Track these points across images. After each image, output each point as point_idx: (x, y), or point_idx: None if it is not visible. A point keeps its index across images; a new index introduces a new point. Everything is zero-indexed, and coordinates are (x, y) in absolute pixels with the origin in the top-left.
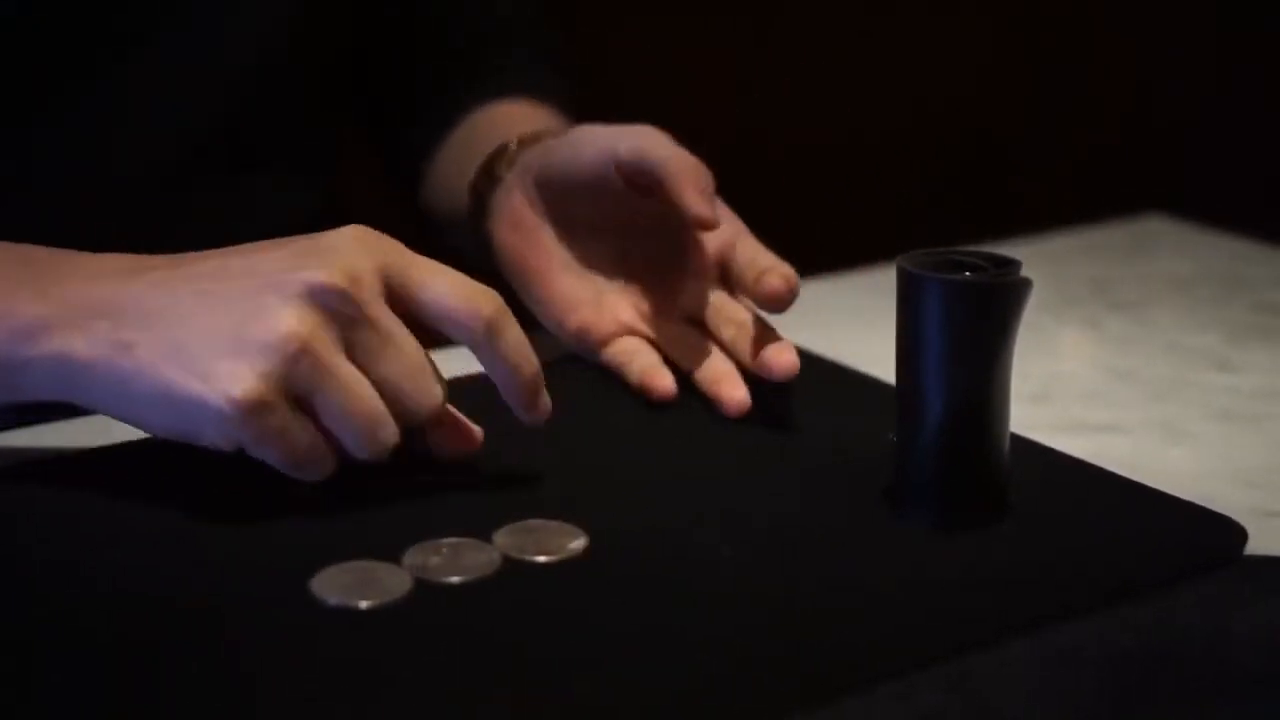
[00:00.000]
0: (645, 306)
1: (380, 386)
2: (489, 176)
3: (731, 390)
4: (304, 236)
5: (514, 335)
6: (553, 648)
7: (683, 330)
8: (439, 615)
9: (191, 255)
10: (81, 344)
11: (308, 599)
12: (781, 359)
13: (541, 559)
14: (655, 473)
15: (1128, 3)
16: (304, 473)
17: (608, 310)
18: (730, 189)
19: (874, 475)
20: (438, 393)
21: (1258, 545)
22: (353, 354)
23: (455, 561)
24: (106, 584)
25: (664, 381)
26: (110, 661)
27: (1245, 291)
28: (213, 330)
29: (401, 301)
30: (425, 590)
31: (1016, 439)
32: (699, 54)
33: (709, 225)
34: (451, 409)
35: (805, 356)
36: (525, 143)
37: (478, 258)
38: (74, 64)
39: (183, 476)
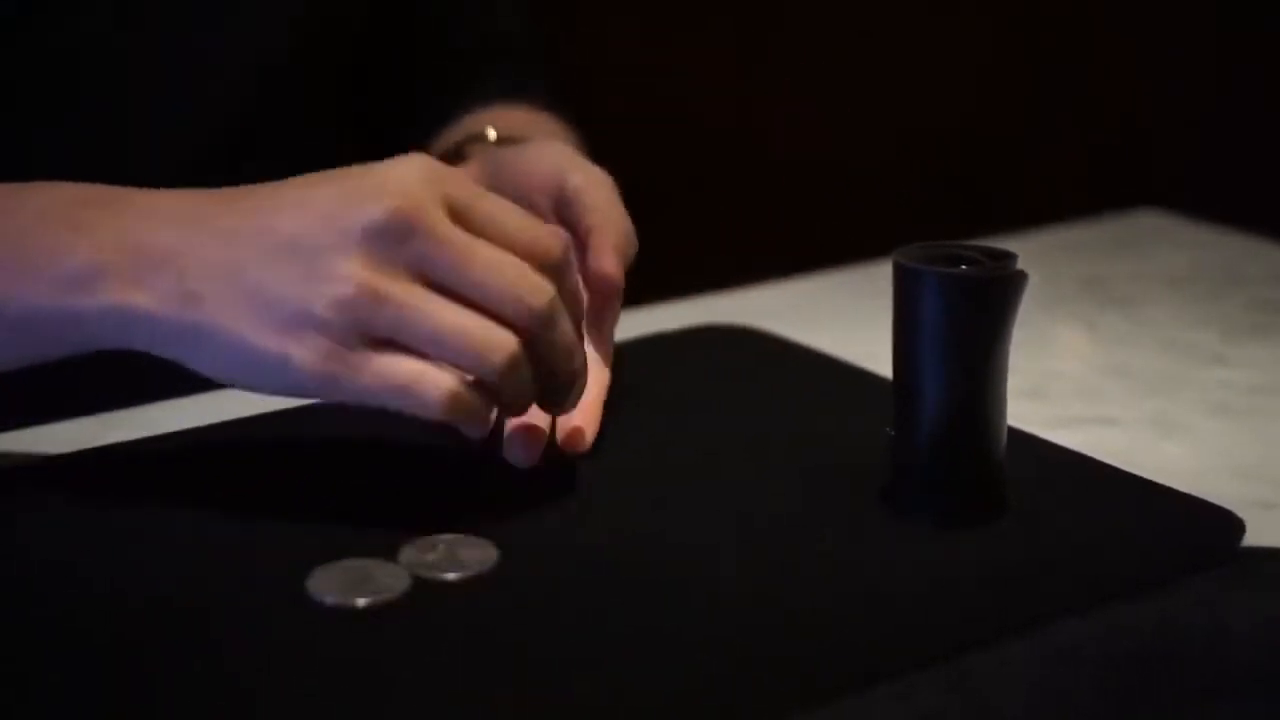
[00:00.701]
0: None
1: (477, 303)
2: (457, 154)
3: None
4: (360, 167)
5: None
6: (553, 647)
7: None
8: (437, 613)
9: (244, 194)
10: (144, 297)
11: (305, 597)
12: (568, 438)
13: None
14: (656, 472)
15: (1128, 3)
16: (423, 402)
17: None
18: (730, 189)
19: (874, 475)
20: (547, 289)
21: (1255, 538)
22: (433, 281)
23: (453, 558)
24: (104, 584)
25: None
26: (108, 661)
27: (1241, 288)
28: (278, 284)
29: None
30: (423, 587)
31: (1014, 432)
32: (699, 54)
33: (610, 285)
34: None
35: (806, 355)
36: (502, 141)
37: None
38: (74, 65)
39: (180, 477)
